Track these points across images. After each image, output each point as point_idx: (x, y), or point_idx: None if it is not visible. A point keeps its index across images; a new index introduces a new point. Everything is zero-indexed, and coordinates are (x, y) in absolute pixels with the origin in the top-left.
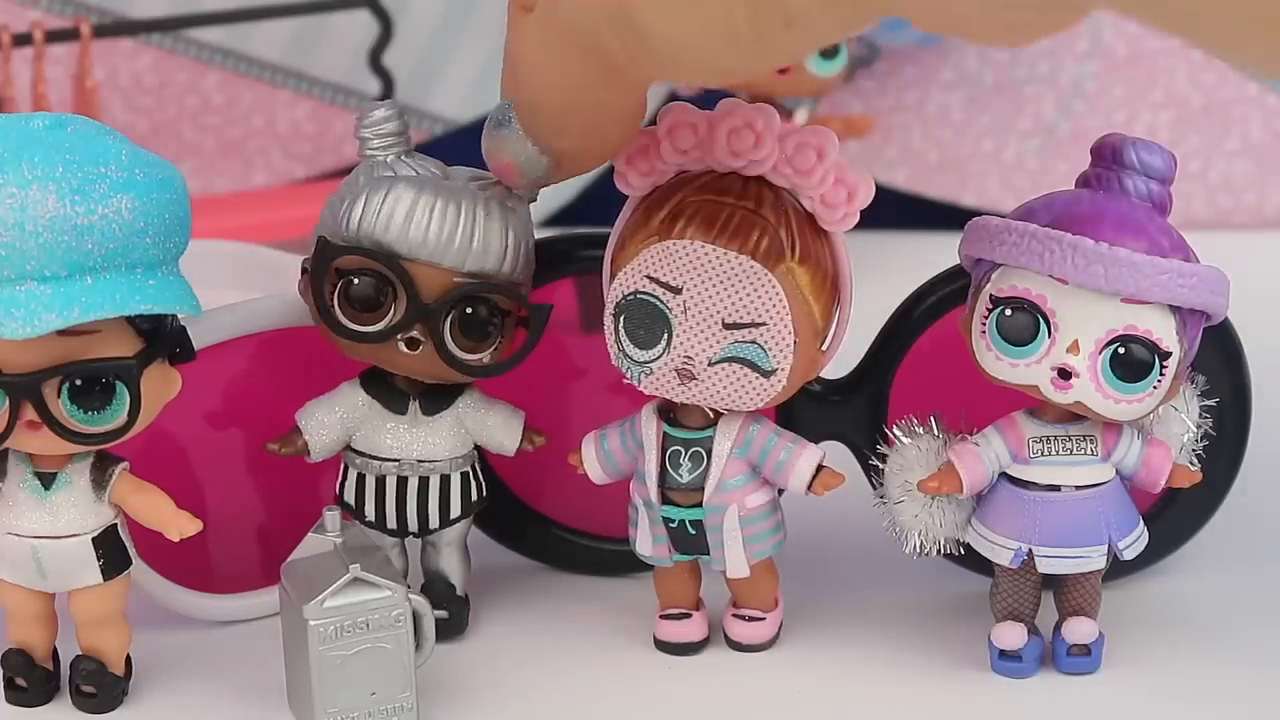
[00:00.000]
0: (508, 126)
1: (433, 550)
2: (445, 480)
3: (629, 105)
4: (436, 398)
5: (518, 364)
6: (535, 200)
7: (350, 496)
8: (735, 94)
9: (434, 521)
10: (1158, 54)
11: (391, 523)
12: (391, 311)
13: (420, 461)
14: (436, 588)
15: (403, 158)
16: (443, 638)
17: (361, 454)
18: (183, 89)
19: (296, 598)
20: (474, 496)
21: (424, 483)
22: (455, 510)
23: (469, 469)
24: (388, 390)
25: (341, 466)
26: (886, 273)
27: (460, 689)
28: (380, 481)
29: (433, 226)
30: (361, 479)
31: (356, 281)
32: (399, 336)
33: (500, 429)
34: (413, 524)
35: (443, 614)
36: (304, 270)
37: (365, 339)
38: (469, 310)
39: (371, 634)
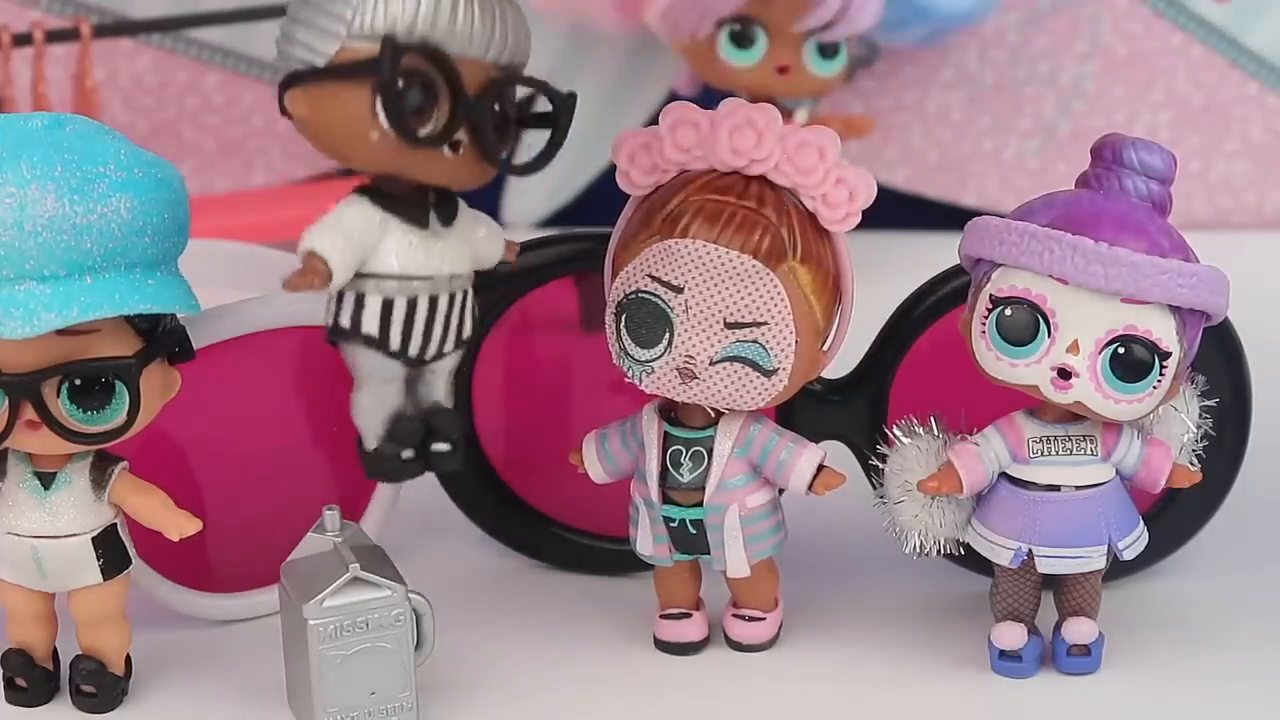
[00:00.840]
0: None
1: (431, 378)
2: (465, 297)
3: None
4: (448, 206)
5: (553, 158)
6: None
7: (372, 327)
8: (736, 94)
9: (449, 344)
10: (1158, 54)
11: (415, 349)
12: (436, 114)
13: (452, 277)
14: (438, 419)
15: None
16: (445, 467)
17: (389, 276)
18: (183, 89)
19: (296, 597)
20: (476, 314)
21: (450, 300)
22: (467, 330)
23: (471, 285)
24: (400, 202)
25: (353, 297)
26: (886, 273)
27: (460, 688)
28: (412, 304)
29: (476, 19)
30: (388, 305)
31: (404, 84)
32: (449, 139)
33: (491, 241)
34: (433, 348)
35: (445, 446)
36: (291, 84)
37: (427, 143)
38: (499, 107)
39: (371, 633)
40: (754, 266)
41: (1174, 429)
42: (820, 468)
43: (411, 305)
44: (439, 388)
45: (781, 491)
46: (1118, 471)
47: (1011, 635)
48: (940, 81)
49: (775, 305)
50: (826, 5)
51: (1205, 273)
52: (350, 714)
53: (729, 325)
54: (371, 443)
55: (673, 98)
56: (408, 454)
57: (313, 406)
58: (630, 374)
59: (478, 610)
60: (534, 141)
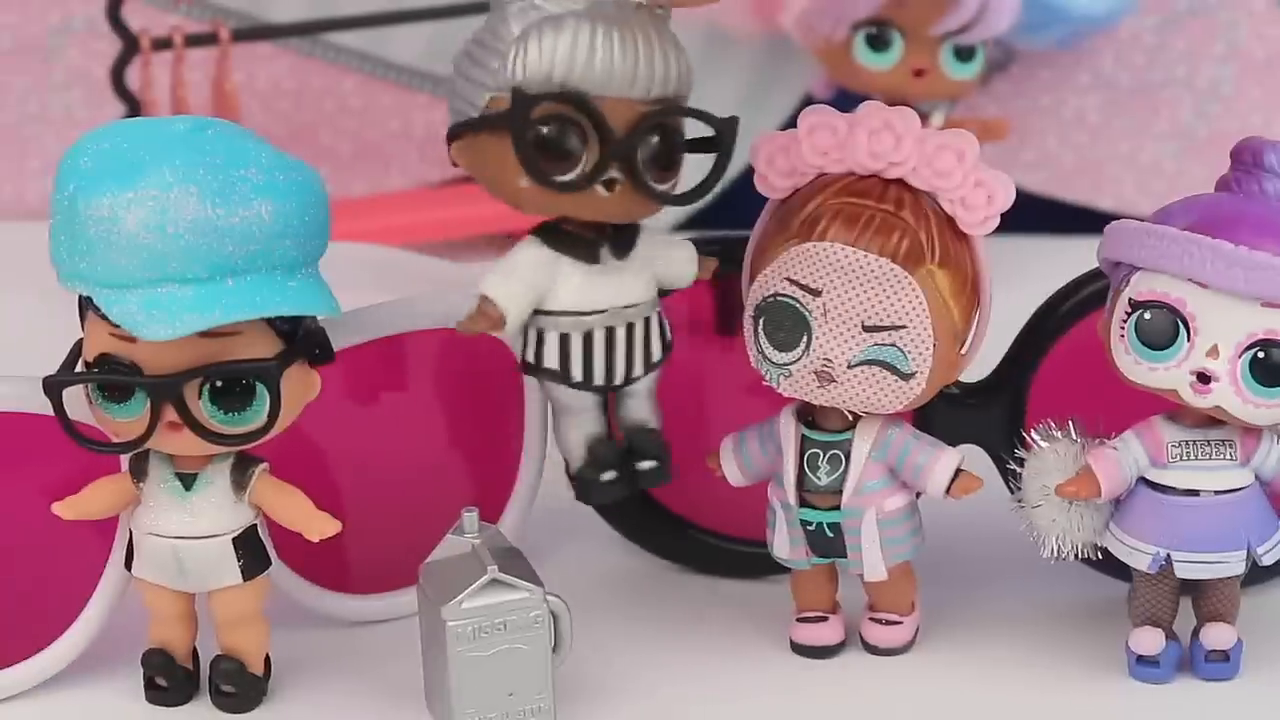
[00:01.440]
0: None
1: (630, 401)
2: (647, 323)
3: None
4: (623, 239)
5: (716, 184)
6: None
7: (553, 361)
8: (872, 97)
9: (638, 369)
10: None
11: (600, 378)
12: (585, 155)
13: (627, 308)
14: (640, 439)
15: None
16: (657, 484)
17: (563, 313)
18: (320, 93)
19: (435, 599)
20: (668, 336)
21: (630, 329)
22: (656, 353)
23: (660, 309)
24: (573, 240)
25: (534, 334)
26: (1022, 276)
27: (597, 690)
28: (588, 337)
29: (616, 58)
30: (565, 340)
31: (547, 129)
32: (600, 179)
33: (684, 259)
34: (619, 375)
35: (652, 464)
36: (453, 137)
37: (568, 188)
38: (656, 139)
39: (509, 635)
40: (892, 270)
41: None
42: (958, 471)
43: (588, 339)
44: (639, 409)
45: (919, 495)
46: (1257, 476)
47: (1149, 640)
48: (1076, 84)
49: (913, 308)
50: (963, 8)
51: None
52: (488, 715)
53: (867, 328)
54: (574, 466)
55: (808, 101)
56: (609, 476)
57: (451, 408)
58: (768, 377)
59: (614, 612)
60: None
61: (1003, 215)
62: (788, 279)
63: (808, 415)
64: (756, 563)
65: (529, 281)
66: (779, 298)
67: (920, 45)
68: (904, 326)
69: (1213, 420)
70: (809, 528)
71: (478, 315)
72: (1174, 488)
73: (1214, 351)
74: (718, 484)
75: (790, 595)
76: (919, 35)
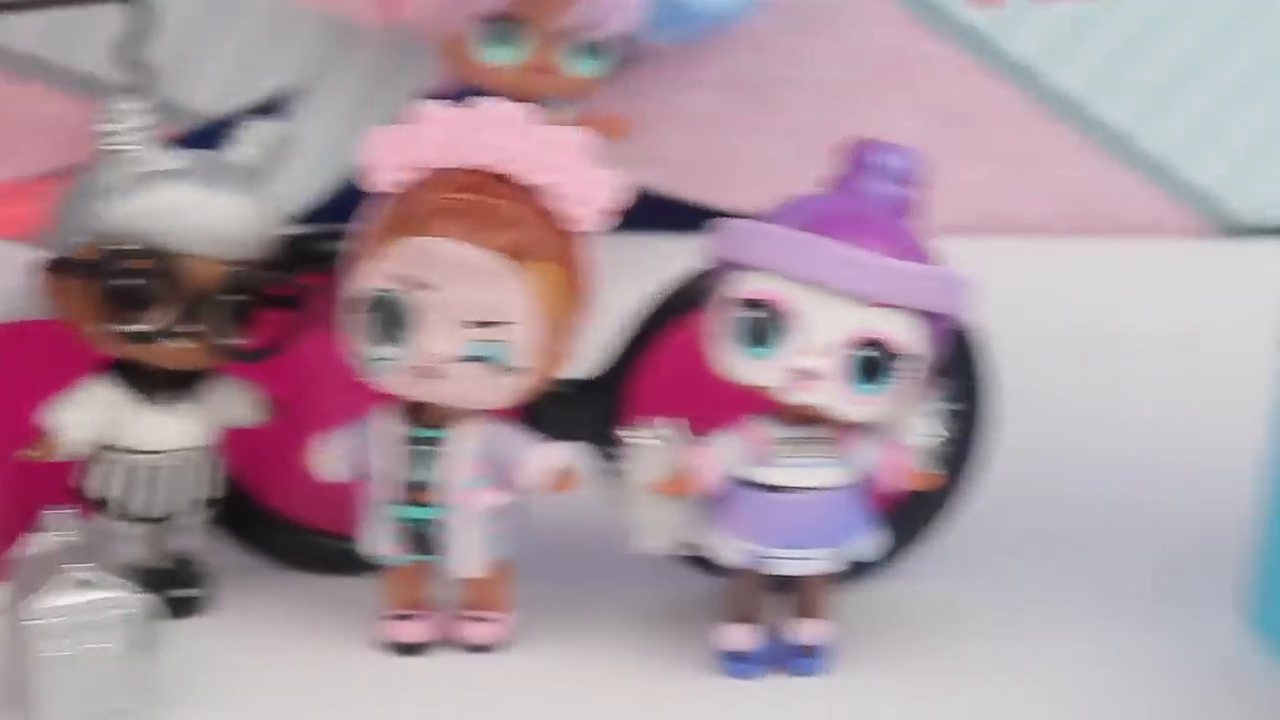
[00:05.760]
0: None
1: (177, 532)
2: (198, 465)
3: None
4: (185, 383)
5: (293, 343)
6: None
7: (100, 491)
8: (494, 93)
9: (184, 505)
10: (917, 61)
11: (154, 512)
12: (162, 309)
13: (183, 450)
14: (185, 568)
15: (152, 150)
16: (194, 614)
17: (121, 449)
18: None
19: (19, 596)
20: (219, 478)
21: (177, 471)
22: (204, 493)
23: (214, 451)
24: (138, 380)
25: (91, 463)
26: (636, 274)
27: (184, 691)
28: (146, 472)
29: (205, 220)
30: (108, 472)
31: (125, 283)
32: (173, 332)
33: (241, 403)
34: (159, 510)
35: (195, 592)
36: (47, 268)
37: (144, 339)
38: (236, 298)
39: (96, 635)
40: (498, 265)
41: (913, 432)
42: (559, 467)
43: (146, 473)
44: (185, 541)
45: (518, 491)
46: (855, 473)
47: (741, 637)
48: (700, 81)
49: (518, 304)
50: (587, 5)
51: (946, 276)
52: (73, 717)
53: (470, 324)
54: None
55: (429, 96)
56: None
57: (37, 402)
58: (369, 372)
59: (209, 609)
60: None
61: (623, 213)
62: (393, 273)
63: (410, 411)
64: (349, 558)
65: (92, 416)
66: (383, 292)
67: (544, 42)
68: (508, 322)
69: (813, 418)
70: (406, 524)
71: (43, 443)
72: (771, 484)
73: (816, 349)
74: (311, 477)
75: (384, 592)
76: (544, 31)
